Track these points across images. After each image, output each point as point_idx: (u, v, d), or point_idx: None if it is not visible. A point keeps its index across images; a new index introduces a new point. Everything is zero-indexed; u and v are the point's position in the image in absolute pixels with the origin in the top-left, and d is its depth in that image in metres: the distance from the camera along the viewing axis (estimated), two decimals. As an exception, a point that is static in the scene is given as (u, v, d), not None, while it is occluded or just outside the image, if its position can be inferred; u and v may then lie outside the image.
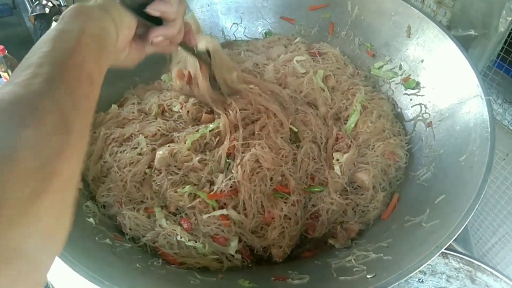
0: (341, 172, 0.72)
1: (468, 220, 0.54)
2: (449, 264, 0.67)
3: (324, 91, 0.83)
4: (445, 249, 0.66)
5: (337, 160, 0.73)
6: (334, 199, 0.70)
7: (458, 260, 0.66)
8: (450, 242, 0.52)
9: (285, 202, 0.68)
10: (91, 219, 0.65)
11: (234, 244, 0.66)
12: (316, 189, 0.72)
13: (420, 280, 0.70)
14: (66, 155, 0.31)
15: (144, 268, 0.59)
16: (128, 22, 0.49)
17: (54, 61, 0.37)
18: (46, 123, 0.31)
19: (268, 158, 0.70)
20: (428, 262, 0.50)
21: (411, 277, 0.70)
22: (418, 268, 0.50)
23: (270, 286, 0.60)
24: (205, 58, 0.72)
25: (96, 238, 0.61)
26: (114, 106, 0.83)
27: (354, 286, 0.53)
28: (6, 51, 1.78)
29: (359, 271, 0.56)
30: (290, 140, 0.76)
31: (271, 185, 0.70)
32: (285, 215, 0.68)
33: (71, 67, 0.37)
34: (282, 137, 0.74)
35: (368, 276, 0.53)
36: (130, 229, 0.67)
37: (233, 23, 1.00)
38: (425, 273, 0.69)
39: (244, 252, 0.68)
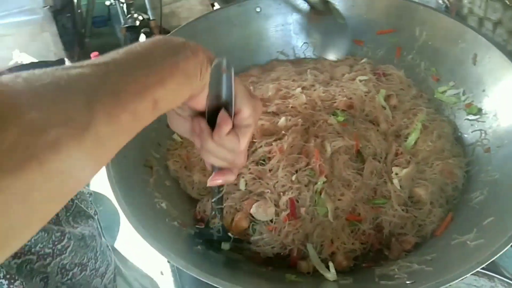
0: (400, 186, 0.75)
1: (514, 241, 0.56)
2: (495, 287, 0.67)
3: (385, 109, 0.87)
4: (492, 273, 0.68)
5: (396, 174, 0.76)
6: (397, 212, 0.73)
7: (506, 285, 0.67)
8: (492, 259, 0.54)
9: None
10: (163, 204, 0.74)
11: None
12: (379, 202, 0.74)
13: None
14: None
15: (203, 251, 0.67)
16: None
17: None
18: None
19: (346, 200, 0.74)
20: (466, 276, 0.53)
21: None
22: (456, 279, 0.53)
23: (314, 281, 0.66)
24: None
25: (167, 220, 0.70)
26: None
27: (393, 290, 0.57)
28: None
29: (399, 278, 0.60)
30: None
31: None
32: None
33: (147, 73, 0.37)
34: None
35: (407, 282, 0.57)
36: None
37: (304, 42, 1.07)
38: (466, 291, 0.70)
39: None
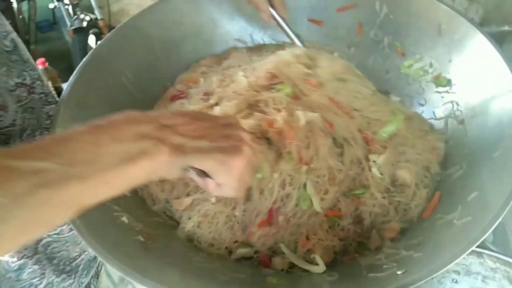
0: (380, 173, 0.71)
1: (502, 216, 0.52)
2: (485, 264, 0.65)
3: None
4: (480, 249, 0.66)
5: (374, 161, 0.72)
6: (377, 201, 0.69)
7: (495, 260, 0.64)
8: (483, 238, 0.51)
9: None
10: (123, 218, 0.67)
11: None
12: (357, 192, 0.70)
13: (454, 281, 0.68)
14: None
15: (173, 263, 0.60)
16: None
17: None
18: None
19: (329, 198, 0.68)
20: (460, 258, 0.49)
21: (444, 277, 0.68)
22: (450, 264, 0.49)
23: (297, 281, 0.61)
24: None
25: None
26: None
27: (384, 283, 0.52)
28: (47, 64, 1.87)
29: (389, 268, 0.55)
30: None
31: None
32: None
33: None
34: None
35: (398, 272, 0.52)
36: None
37: (262, 27, 1.02)
38: (459, 273, 0.67)
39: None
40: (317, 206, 0.67)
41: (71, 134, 0.41)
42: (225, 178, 0.50)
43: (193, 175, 0.51)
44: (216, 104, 0.78)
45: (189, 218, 0.69)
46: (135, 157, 0.41)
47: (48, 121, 0.76)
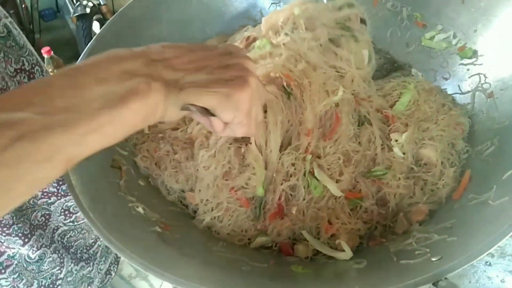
0: (402, 153, 0.67)
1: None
2: (521, 245, 0.61)
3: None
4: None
5: (396, 141, 0.68)
6: (400, 182, 0.65)
7: (532, 241, 0.61)
8: (526, 219, 0.47)
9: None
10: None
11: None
12: (379, 173, 0.66)
13: (488, 263, 0.64)
14: None
15: (192, 255, 0.58)
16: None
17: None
18: None
19: (346, 179, 0.66)
20: (502, 242, 0.46)
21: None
22: (490, 249, 0.45)
23: (322, 268, 0.58)
24: None
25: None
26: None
27: (418, 270, 0.49)
28: (52, 52, 1.84)
29: (421, 254, 0.52)
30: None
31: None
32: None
33: None
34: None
35: (433, 259, 0.49)
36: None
37: (272, 3, 0.97)
38: (493, 256, 0.63)
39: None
40: (335, 191, 0.64)
41: (50, 79, 0.36)
42: (232, 114, 0.44)
43: (196, 115, 0.44)
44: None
45: (205, 212, 0.67)
46: (124, 98, 0.36)
47: None
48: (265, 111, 0.65)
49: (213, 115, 0.44)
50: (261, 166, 0.65)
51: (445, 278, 0.45)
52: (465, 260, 0.45)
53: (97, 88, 0.35)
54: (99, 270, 0.84)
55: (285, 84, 0.67)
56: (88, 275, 0.81)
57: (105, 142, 0.37)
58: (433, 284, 0.45)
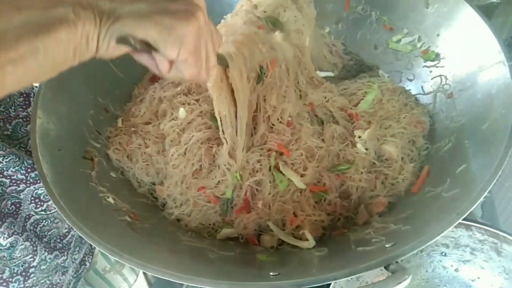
0: (365, 148, 0.71)
1: (490, 187, 0.52)
2: (473, 236, 0.65)
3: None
4: (469, 222, 0.66)
5: (359, 137, 0.72)
6: (363, 175, 0.68)
7: (483, 232, 0.64)
8: (471, 209, 0.51)
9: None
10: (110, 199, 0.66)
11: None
12: (342, 167, 0.69)
13: (443, 254, 0.68)
14: None
15: (160, 243, 0.60)
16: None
17: None
18: None
19: (310, 174, 0.68)
20: (448, 230, 0.49)
21: (433, 250, 0.68)
22: (438, 235, 0.49)
23: (286, 257, 0.60)
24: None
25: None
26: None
27: (372, 256, 0.52)
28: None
29: (377, 241, 0.55)
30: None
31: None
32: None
33: None
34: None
35: (387, 245, 0.52)
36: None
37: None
38: (448, 246, 0.67)
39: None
40: (299, 183, 0.66)
41: None
42: (175, 49, 0.40)
43: (138, 55, 0.42)
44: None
45: (172, 208, 0.69)
46: (47, 27, 0.32)
47: (21, 99, 0.74)
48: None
49: (156, 50, 0.40)
50: (234, 174, 0.67)
51: (396, 262, 0.48)
52: (415, 245, 0.49)
53: (17, 17, 0.32)
54: (73, 260, 0.84)
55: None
56: (63, 264, 0.80)
57: (31, 76, 0.34)
58: (385, 267, 0.48)
